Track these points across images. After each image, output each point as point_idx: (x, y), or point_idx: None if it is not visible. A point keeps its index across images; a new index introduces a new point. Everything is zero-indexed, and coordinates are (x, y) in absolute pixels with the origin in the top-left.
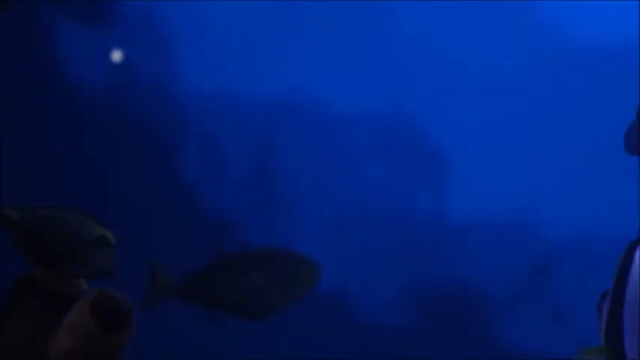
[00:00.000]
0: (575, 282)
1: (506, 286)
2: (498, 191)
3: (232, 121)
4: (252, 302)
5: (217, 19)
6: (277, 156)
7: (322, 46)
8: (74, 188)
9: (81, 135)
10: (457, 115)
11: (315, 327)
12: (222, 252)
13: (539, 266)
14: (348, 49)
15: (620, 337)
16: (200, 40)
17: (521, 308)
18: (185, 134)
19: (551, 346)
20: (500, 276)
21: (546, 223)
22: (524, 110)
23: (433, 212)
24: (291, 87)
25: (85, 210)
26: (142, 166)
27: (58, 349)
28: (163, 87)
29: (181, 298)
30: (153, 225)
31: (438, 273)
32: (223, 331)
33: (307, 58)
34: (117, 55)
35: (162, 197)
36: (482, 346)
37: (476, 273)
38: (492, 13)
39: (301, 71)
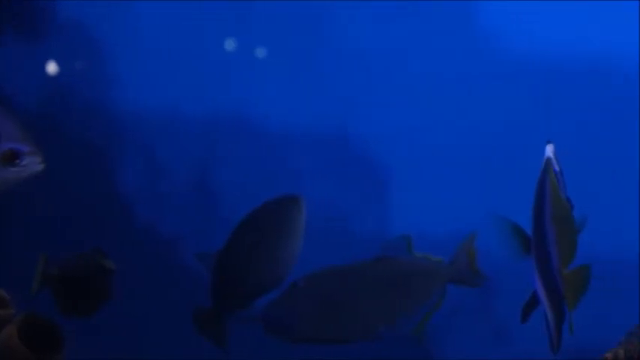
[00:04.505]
0: (515, 297)
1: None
2: (442, 205)
3: (172, 135)
4: None
5: (157, 32)
6: (218, 171)
7: (265, 59)
8: (12, 202)
9: None
10: (402, 130)
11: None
12: None
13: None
14: (292, 61)
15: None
16: (140, 52)
17: (464, 322)
18: (123, 147)
19: None
20: None
21: (487, 235)
22: (473, 125)
23: (378, 227)
24: (234, 101)
25: None
26: (78, 179)
27: None
28: (101, 100)
29: None
30: (90, 240)
31: None
32: None
33: (250, 71)
34: (52, 68)
35: (99, 211)
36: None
37: None
38: (440, 24)
39: (244, 84)
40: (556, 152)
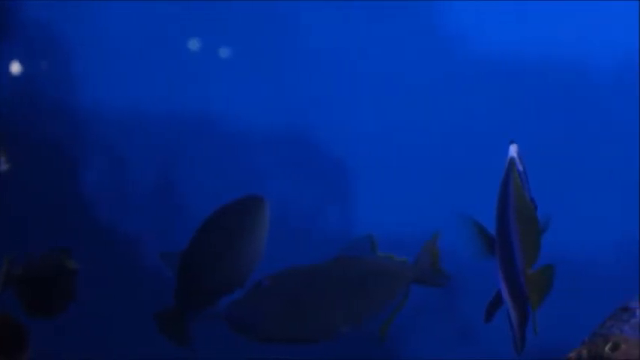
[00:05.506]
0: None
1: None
2: (406, 204)
3: (136, 134)
4: None
5: (121, 31)
6: (182, 170)
7: (229, 59)
8: None
9: None
10: (366, 130)
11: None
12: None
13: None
14: (256, 62)
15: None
16: (103, 52)
17: (428, 322)
18: (87, 147)
19: None
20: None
21: (451, 236)
22: (437, 124)
23: (342, 227)
24: (197, 100)
25: None
26: (43, 179)
27: None
28: (65, 100)
29: None
30: (55, 239)
31: None
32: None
33: (213, 71)
34: (15, 68)
35: (63, 211)
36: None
37: None
38: (403, 22)
39: (207, 84)
40: (519, 152)
